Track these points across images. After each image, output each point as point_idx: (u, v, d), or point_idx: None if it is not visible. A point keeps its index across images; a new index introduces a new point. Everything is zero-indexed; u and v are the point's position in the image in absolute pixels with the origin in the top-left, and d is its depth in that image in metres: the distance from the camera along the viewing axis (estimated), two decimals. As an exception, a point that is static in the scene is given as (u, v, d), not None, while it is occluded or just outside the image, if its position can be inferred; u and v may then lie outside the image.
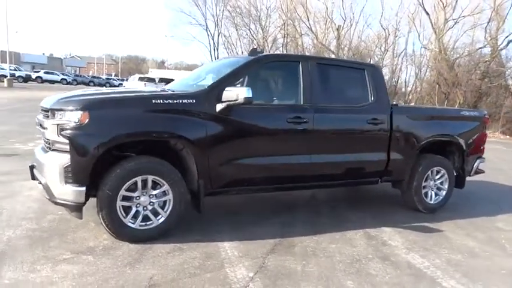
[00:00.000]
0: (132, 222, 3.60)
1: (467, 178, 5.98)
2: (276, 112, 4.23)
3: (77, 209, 3.48)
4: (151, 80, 27.82)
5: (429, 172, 5.18)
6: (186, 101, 3.75)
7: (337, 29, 27.04)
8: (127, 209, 3.58)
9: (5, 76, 33.12)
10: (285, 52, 28.46)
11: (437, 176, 5.28)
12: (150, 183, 3.63)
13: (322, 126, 4.36)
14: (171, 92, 4.00)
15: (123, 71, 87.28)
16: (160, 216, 3.71)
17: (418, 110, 6.12)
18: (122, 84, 43.04)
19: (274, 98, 4.46)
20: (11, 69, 37.23)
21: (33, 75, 38.87)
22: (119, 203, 3.51)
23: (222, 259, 3.42)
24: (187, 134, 3.68)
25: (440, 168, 5.26)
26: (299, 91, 4.32)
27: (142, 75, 31.12)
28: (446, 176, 5.31)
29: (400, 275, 3.37)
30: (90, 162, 3.37)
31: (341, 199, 5.82)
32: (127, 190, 3.54)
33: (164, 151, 3.81)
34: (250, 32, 28.89)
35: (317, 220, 4.63)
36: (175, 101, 3.71)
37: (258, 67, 4.31)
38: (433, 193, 5.29)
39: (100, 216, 3.50)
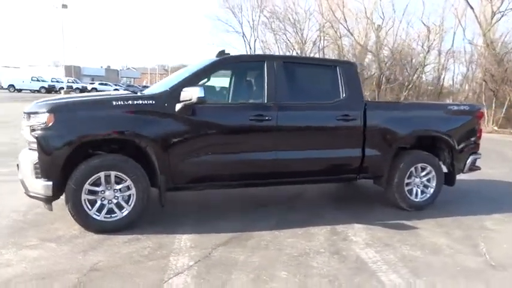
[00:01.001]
0: (97, 215, 3.91)
1: (469, 175, 5.78)
2: (237, 111, 4.39)
3: (47, 201, 3.87)
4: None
5: (412, 169, 5.04)
6: (145, 102, 4.03)
7: (376, 29, 26.41)
8: (93, 202, 3.91)
9: (63, 88, 36.04)
10: (317, 55, 28.29)
11: (423, 173, 5.12)
12: (113, 179, 3.93)
13: (287, 123, 4.44)
14: (132, 94, 4.30)
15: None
16: (124, 209, 4.00)
17: (395, 106, 5.97)
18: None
19: (238, 97, 4.62)
20: (69, 82, 40.48)
21: (89, 87, 41.74)
22: (84, 196, 3.84)
23: (172, 249, 3.63)
24: (145, 133, 3.95)
25: (425, 165, 5.10)
26: (263, 90, 4.44)
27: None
28: (433, 173, 5.13)
29: (341, 268, 3.38)
30: (56, 159, 3.73)
31: (325, 197, 5.81)
32: (92, 185, 3.87)
33: (132, 149, 4.10)
34: (286, 36, 28.99)
35: (288, 217, 4.70)
36: (134, 102, 4.00)
37: (221, 68, 4.50)
38: (419, 190, 5.13)
39: (67, 208, 3.85)
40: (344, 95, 4.75)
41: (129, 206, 4.00)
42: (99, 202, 3.92)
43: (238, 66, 4.65)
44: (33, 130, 3.80)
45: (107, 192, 3.94)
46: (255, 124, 4.31)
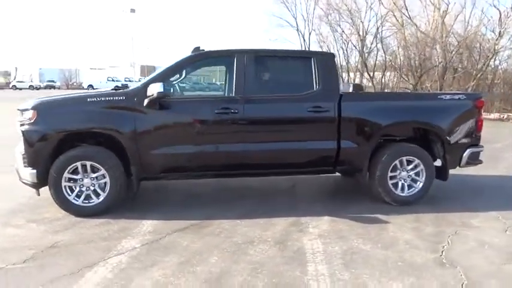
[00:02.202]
0: (76, 200, 4.38)
1: (478, 170, 5.40)
2: (204, 104, 4.59)
3: (34, 187, 4.42)
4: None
5: (397, 162, 4.83)
6: (116, 98, 4.41)
7: (441, 16, 24.60)
8: (72, 189, 4.38)
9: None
10: (360, 46, 27.09)
11: (410, 167, 4.88)
12: (89, 168, 4.36)
13: (253, 116, 4.53)
14: (106, 92, 4.70)
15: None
16: (100, 196, 4.42)
17: (375, 96, 5.67)
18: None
19: (208, 91, 4.80)
20: (140, 80, 43.64)
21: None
22: (64, 183, 4.33)
23: (130, 233, 3.96)
24: (116, 127, 4.33)
25: (412, 157, 4.85)
26: (232, 84, 4.59)
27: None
28: (421, 166, 4.87)
29: (275, 257, 3.44)
30: (38, 150, 4.26)
31: (315, 190, 5.74)
32: (71, 173, 4.34)
33: (110, 142, 4.51)
34: (341, 27, 28.14)
35: (261, 207, 4.79)
36: (106, 99, 4.40)
37: (192, 64, 4.73)
38: (405, 185, 4.91)
39: (50, 193, 4.37)
40: (318, 86, 4.71)
41: (105, 193, 4.41)
42: (77, 189, 4.38)
43: (209, 61, 4.85)
44: (21, 125, 4.36)
45: (85, 180, 4.39)
46: (221, 117, 4.48)
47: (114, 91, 4.66)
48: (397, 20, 28.05)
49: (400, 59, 26.26)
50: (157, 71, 4.87)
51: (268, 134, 4.63)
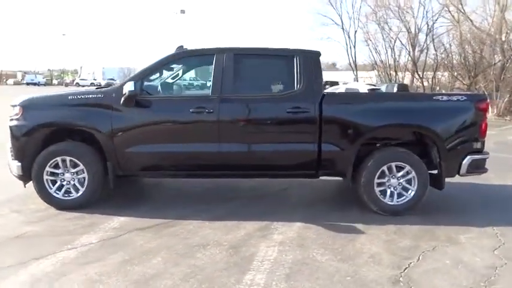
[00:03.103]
0: (57, 193, 4.54)
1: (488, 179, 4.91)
2: (179, 103, 4.55)
3: (20, 179, 4.64)
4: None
5: (384, 168, 4.48)
6: (95, 96, 4.51)
7: (501, 11, 22.66)
8: (53, 182, 4.55)
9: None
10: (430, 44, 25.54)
11: (400, 173, 4.51)
12: (68, 163, 4.51)
13: (229, 116, 4.43)
14: (87, 90, 4.82)
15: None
16: (79, 190, 4.55)
17: (362, 96, 5.23)
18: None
19: (185, 91, 4.75)
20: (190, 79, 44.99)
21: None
22: (46, 177, 4.51)
23: (95, 228, 4.03)
24: (93, 123, 4.43)
25: (402, 164, 4.48)
26: (209, 83, 4.51)
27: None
28: (413, 173, 4.48)
29: (219, 262, 3.32)
30: (22, 144, 4.48)
31: (310, 194, 5.50)
32: (53, 167, 4.51)
33: (92, 139, 4.63)
34: (388, 25, 26.88)
35: (240, 210, 4.67)
36: (85, 96, 4.51)
37: (171, 62, 4.71)
38: (395, 193, 4.55)
39: (33, 186, 4.57)
40: (299, 86, 4.49)
41: (83, 188, 4.54)
42: (58, 182, 4.55)
43: (190, 60, 4.80)
44: (10, 120, 4.61)
45: (66, 175, 4.54)
46: (196, 116, 4.42)
47: (95, 89, 4.78)
48: (452, 16, 26.35)
49: (454, 58, 24.62)
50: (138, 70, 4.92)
51: (245, 134, 4.49)
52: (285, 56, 4.69)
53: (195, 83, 5.21)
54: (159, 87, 4.76)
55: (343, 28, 29.46)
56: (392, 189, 4.55)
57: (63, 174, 4.54)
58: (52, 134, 4.58)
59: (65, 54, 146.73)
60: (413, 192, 4.52)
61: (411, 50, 25.95)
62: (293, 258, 3.42)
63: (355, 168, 4.53)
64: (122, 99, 4.36)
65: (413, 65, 25.88)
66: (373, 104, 4.60)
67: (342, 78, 30.41)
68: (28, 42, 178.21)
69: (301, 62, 4.53)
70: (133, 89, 4.18)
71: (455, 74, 24.01)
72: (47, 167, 4.49)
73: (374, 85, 16.55)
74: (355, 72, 30.21)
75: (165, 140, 4.49)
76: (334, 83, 22.03)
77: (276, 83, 4.64)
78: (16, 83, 64.57)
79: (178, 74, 5.02)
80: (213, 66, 4.51)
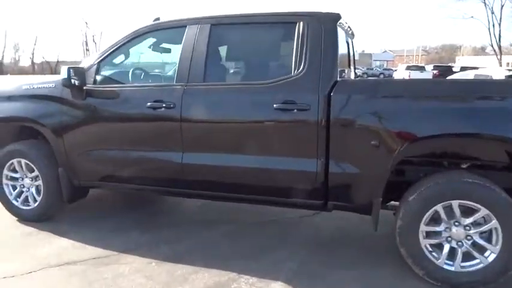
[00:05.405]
0: (16, 200, 3.83)
1: None
2: (134, 95, 3.31)
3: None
4: (420, 68, 25.80)
5: (438, 207, 2.60)
6: (47, 85, 3.60)
7: None
8: (14, 188, 3.84)
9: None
10: None
11: (470, 220, 2.58)
12: (24, 166, 3.73)
13: (194, 114, 3.06)
14: (42, 80, 3.90)
15: (434, 61, 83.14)
16: (37, 200, 3.76)
17: (395, 85, 3.12)
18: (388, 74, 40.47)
19: (147, 78, 3.50)
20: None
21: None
22: (5, 181, 3.82)
23: (25, 253, 3.17)
24: (38, 118, 3.54)
25: (474, 204, 2.53)
26: (175, 67, 3.20)
27: (409, 65, 30.08)
28: (495, 221, 2.51)
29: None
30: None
31: (319, 229, 3.73)
32: (11, 171, 3.80)
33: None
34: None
35: (212, 247, 3.28)
36: (38, 86, 3.64)
37: (134, 41, 3.43)
38: (459, 250, 2.63)
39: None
40: (301, 68, 2.86)
41: (39, 197, 3.73)
42: (18, 188, 3.83)
43: (157, 36, 3.48)
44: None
45: (25, 180, 3.80)
46: (153, 113, 3.18)
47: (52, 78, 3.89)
48: None
49: None
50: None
51: (216, 140, 3.08)
52: (283, 23, 3.07)
53: (166, 67, 3.88)
54: (115, 75, 3.58)
55: (484, 2, 24.36)
56: (454, 244, 2.64)
57: (22, 179, 3.80)
58: (20, 130, 3.88)
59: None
60: (493, 256, 2.55)
61: None
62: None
63: (386, 201, 2.75)
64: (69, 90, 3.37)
65: None
66: (425, 100, 2.66)
67: (485, 64, 25.58)
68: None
69: (306, 32, 2.88)
70: (66, 77, 3.14)
71: None
72: (5, 170, 3.80)
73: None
74: (498, 56, 24.86)
75: (119, 144, 3.37)
76: (472, 69, 18.01)
77: (265, 65, 3.09)
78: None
79: (139, 56, 3.79)
80: (183, 44, 3.18)
